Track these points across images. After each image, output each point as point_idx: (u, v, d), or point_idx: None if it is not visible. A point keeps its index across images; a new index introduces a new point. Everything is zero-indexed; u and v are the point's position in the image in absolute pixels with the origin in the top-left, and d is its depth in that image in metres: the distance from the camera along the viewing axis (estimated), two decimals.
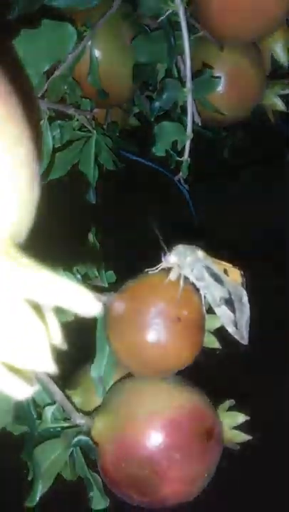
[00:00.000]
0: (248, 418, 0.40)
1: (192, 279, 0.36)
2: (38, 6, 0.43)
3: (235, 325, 0.38)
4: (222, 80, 0.46)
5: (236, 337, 0.38)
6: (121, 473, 0.34)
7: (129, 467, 0.34)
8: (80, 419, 0.35)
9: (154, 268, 0.37)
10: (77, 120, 0.44)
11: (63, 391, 0.36)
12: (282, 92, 0.52)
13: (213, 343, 0.40)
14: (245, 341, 0.38)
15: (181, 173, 0.41)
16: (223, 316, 0.38)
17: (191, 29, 0.43)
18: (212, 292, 0.37)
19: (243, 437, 0.39)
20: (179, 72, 0.43)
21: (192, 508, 0.37)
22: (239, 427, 0.39)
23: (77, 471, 0.36)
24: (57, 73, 0.42)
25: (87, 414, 0.37)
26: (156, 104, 0.41)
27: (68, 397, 0.37)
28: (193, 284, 0.37)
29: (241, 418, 0.40)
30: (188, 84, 0.37)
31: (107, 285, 0.39)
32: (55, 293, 0.16)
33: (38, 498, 0.33)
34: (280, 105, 0.52)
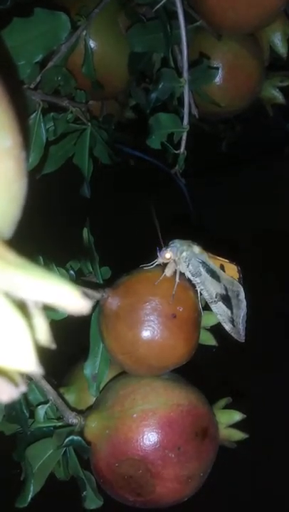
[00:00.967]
0: (244, 416, 0.39)
1: (188, 274, 0.36)
2: None
3: (232, 322, 0.37)
4: (219, 71, 0.45)
5: (233, 334, 0.37)
6: (114, 472, 0.34)
7: (123, 467, 0.33)
8: (73, 418, 0.35)
9: (150, 263, 0.36)
10: (72, 112, 0.43)
11: (56, 389, 0.36)
12: (281, 84, 0.51)
13: (209, 340, 0.39)
14: (241, 338, 0.38)
15: (177, 167, 0.40)
16: (220, 313, 0.37)
17: (189, 18, 0.42)
18: (208, 288, 0.36)
19: (240, 435, 0.39)
20: (175, 62, 0.42)
21: (188, 508, 0.36)
22: (236, 425, 0.39)
23: (70, 470, 0.35)
24: (50, 64, 0.41)
25: (81, 412, 0.37)
26: (153, 95, 0.40)
27: (61, 396, 0.36)
28: (189, 280, 0.36)
29: (238, 416, 0.39)
30: (185, 74, 0.36)
31: (101, 281, 0.38)
32: (43, 291, 0.15)
33: (29, 499, 0.32)
34: (280, 98, 0.51)
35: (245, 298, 0.37)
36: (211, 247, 0.37)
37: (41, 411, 0.35)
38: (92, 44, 0.45)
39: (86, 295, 0.34)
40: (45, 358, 0.16)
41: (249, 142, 0.79)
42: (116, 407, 0.35)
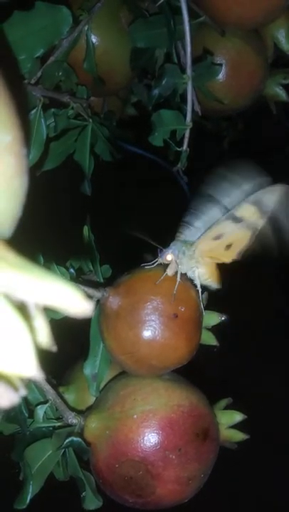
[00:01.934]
0: (245, 417, 0.39)
1: (190, 275, 0.35)
2: None
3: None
4: (223, 68, 0.44)
5: None
6: (114, 473, 0.33)
7: (123, 468, 0.33)
8: (72, 419, 0.34)
9: (151, 263, 0.36)
10: (73, 108, 0.42)
11: (56, 389, 0.35)
12: (285, 82, 0.51)
13: (210, 339, 0.38)
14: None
15: (179, 164, 0.39)
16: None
17: (192, 14, 0.41)
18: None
19: (240, 436, 0.38)
20: (178, 58, 0.42)
21: (188, 509, 0.36)
22: (236, 426, 0.38)
23: (69, 471, 0.35)
24: (52, 59, 0.40)
25: (80, 412, 0.36)
26: (155, 91, 0.40)
27: (61, 396, 0.36)
28: (190, 280, 0.36)
29: (238, 417, 0.39)
30: (189, 70, 0.36)
31: (102, 280, 0.38)
32: (44, 292, 0.14)
33: (28, 500, 0.32)
34: (283, 96, 0.51)
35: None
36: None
37: (40, 411, 0.35)
38: (93, 39, 0.44)
39: (87, 296, 0.33)
40: (44, 357, 0.16)
41: (251, 140, 0.79)
42: (116, 408, 0.34)
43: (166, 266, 0.35)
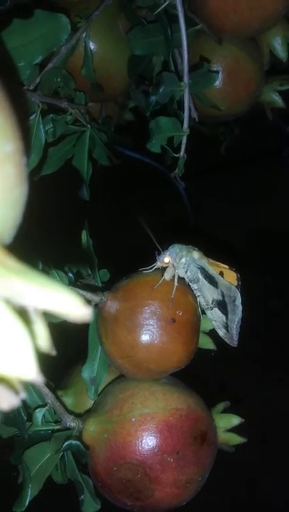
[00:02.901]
0: (242, 420, 0.39)
1: (186, 280, 0.36)
2: None
3: (226, 327, 0.37)
4: (220, 75, 0.45)
5: (226, 340, 0.37)
6: (113, 477, 0.34)
7: (122, 471, 0.33)
8: (71, 422, 0.34)
9: (149, 267, 0.36)
10: (71, 114, 0.43)
11: (54, 392, 0.35)
12: (281, 88, 0.51)
13: (208, 343, 0.39)
14: (234, 344, 0.38)
15: (177, 170, 0.40)
16: (214, 319, 0.37)
17: (189, 22, 0.42)
18: (205, 295, 0.36)
19: (238, 439, 0.39)
20: (175, 65, 0.42)
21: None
22: (234, 429, 0.39)
23: (67, 474, 0.35)
24: (50, 65, 0.41)
25: (79, 415, 0.37)
26: (152, 98, 0.40)
27: (59, 399, 0.36)
28: (188, 284, 0.36)
29: (236, 420, 0.39)
30: (186, 78, 0.36)
31: (100, 284, 0.38)
32: (44, 298, 0.15)
33: (27, 503, 0.32)
34: (279, 102, 0.51)
35: (242, 303, 0.37)
36: (210, 250, 0.37)
37: (39, 414, 0.35)
38: (91, 46, 0.44)
39: (86, 301, 0.34)
40: (43, 360, 0.16)
41: (248, 145, 0.79)
42: (114, 411, 0.35)
43: (163, 270, 0.35)
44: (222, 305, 0.37)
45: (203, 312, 0.37)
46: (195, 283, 0.36)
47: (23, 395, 0.16)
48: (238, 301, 0.37)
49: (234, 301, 0.37)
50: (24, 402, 0.35)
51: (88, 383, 0.37)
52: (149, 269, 0.36)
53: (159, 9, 0.35)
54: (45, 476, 0.33)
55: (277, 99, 0.52)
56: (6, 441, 0.36)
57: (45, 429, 0.35)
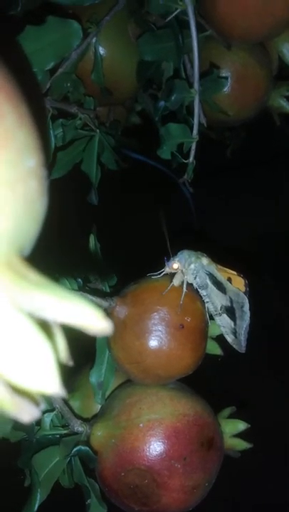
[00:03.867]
0: (248, 426, 0.39)
1: (195, 286, 0.36)
2: (41, 1, 0.42)
3: (234, 333, 0.38)
4: (228, 80, 0.45)
5: (234, 346, 0.38)
6: (120, 482, 0.34)
7: (129, 476, 0.34)
8: (78, 427, 0.35)
9: (157, 273, 0.36)
10: (80, 119, 0.43)
11: (62, 397, 0.35)
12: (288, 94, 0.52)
13: (215, 349, 0.39)
14: (242, 349, 0.38)
15: (186, 176, 0.40)
16: (223, 325, 0.37)
17: (198, 27, 0.42)
18: (213, 301, 0.36)
19: (244, 445, 0.39)
20: (185, 71, 0.42)
21: None
22: (240, 435, 0.39)
23: (74, 478, 0.35)
24: (60, 71, 0.41)
25: (86, 420, 0.37)
26: (161, 103, 0.40)
27: (67, 404, 0.36)
28: (196, 290, 0.36)
29: (242, 426, 0.39)
30: (196, 85, 0.36)
31: (108, 290, 0.38)
32: (65, 311, 0.15)
33: (36, 507, 0.32)
34: (287, 107, 0.51)
35: (250, 309, 0.38)
36: (216, 255, 0.37)
37: (47, 419, 0.35)
38: (101, 51, 0.45)
39: (98, 307, 0.34)
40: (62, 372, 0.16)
41: (254, 148, 0.80)
42: (122, 416, 0.35)
43: (172, 276, 0.35)
44: (230, 311, 0.37)
45: (212, 318, 0.37)
46: (204, 289, 0.36)
47: (43, 406, 0.16)
48: (246, 307, 0.38)
49: (242, 307, 0.38)
50: None
51: (95, 388, 0.37)
52: (157, 275, 0.36)
53: (171, 16, 0.36)
54: (53, 480, 0.34)
55: (285, 105, 0.52)
56: (14, 445, 0.36)
57: (53, 434, 0.35)
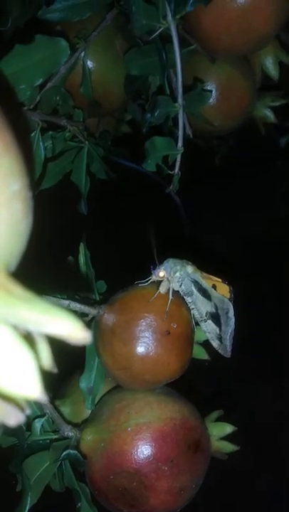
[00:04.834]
0: (235, 429, 0.40)
1: (181, 293, 0.37)
2: (30, 17, 0.43)
3: (220, 339, 0.39)
4: (213, 92, 0.46)
5: (220, 351, 0.39)
6: (109, 484, 0.35)
7: (118, 479, 0.34)
8: (69, 432, 0.35)
9: (144, 280, 0.37)
10: (70, 131, 0.44)
11: (52, 403, 0.36)
12: (272, 104, 0.53)
13: (201, 354, 0.40)
14: (228, 354, 0.39)
15: (172, 186, 0.41)
16: (208, 331, 0.38)
17: (184, 42, 0.43)
18: (199, 307, 0.37)
19: (231, 447, 0.40)
20: (170, 84, 0.44)
21: None
22: (227, 437, 0.40)
23: (65, 482, 0.36)
24: (49, 85, 0.42)
25: (76, 425, 0.38)
26: (148, 116, 0.42)
27: (57, 409, 0.37)
28: (182, 297, 0.37)
29: (229, 428, 0.40)
30: (180, 99, 0.38)
31: (98, 298, 0.39)
32: (47, 324, 0.16)
33: (27, 511, 0.33)
34: (271, 117, 0.53)
35: (234, 315, 0.39)
36: (204, 261, 0.38)
37: (38, 424, 0.36)
38: (90, 65, 0.46)
39: (84, 314, 0.35)
40: (45, 377, 0.17)
41: (242, 155, 0.81)
42: (111, 421, 0.36)
43: (159, 283, 0.36)
44: (215, 317, 0.38)
45: (197, 324, 0.39)
46: (189, 296, 0.37)
47: (28, 411, 0.17)
48: (231, 313, 0.39)
49: (227, 313, 0.39)
50: None
51: (85, 393, 0.38)
52: (144, 283, 0.37)
53: (154, 35, 0.37)
54: (44, 484, 0.35)
55: (269, 115, 0.53)
56: (5, 450, 0.37)
57: (43, 439, 0.36)
